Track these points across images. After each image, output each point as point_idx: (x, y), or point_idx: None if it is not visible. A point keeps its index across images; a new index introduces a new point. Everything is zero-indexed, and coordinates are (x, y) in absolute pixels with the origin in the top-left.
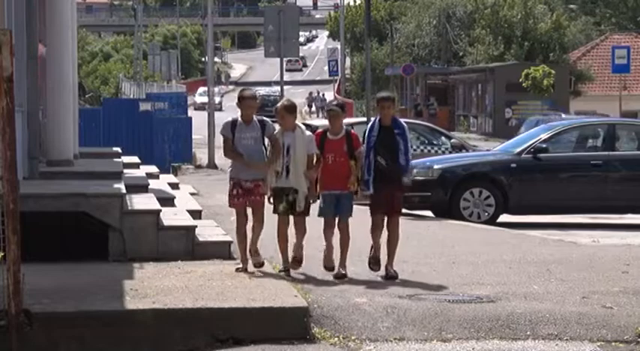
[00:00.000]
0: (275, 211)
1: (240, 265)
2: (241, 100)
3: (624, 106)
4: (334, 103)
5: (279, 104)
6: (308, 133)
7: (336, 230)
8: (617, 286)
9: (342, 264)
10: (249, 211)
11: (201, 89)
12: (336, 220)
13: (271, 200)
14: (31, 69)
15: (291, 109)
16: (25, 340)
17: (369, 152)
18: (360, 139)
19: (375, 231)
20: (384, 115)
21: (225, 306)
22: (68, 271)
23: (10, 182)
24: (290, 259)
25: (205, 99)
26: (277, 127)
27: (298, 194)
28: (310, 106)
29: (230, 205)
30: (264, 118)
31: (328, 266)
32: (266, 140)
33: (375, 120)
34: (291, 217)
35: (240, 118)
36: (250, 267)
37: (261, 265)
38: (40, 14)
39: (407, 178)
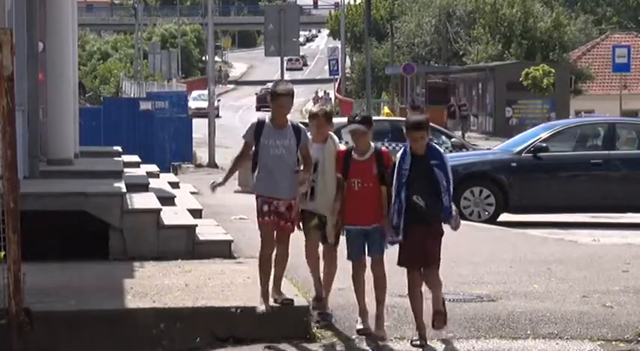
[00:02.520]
0: (304, 230)
1: (263, 307)
2: (274, 97)
3: (624, 105)
4: (357, 117)
5: (314, 108)
6: (338, 143)
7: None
8: (618, 285)
9: (380, 322)
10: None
11: (196, 93)
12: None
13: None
14: (31, 68)
15: (330, 117)
16: (25, 339)
17: (401, 190)
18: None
19: (415, 292)
20: (415, 147)
21: (225, 305)
22: (68, 270)
23: (10, 181)
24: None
25: (200, 104)
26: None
27: (328, 220)
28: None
29: (260, 225)
30: (300, 124)
31: (364, 329)
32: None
33: (405, 149)
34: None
35: (268, 120)
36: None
37: (288, 302)
38: (40, 13)
39: (454, 221)
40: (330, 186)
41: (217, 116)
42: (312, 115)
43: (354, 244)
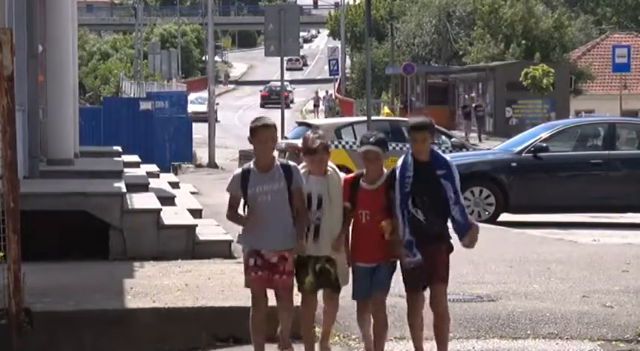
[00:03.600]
0: (299, 288)
1: None
2: (253, 134)
3: (624, 105)
4: (372, 139)
5: (310, 143)
6: (341, 174)
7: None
8: (618, 285)
9: None
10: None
11: (193, 96)
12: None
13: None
14: (31, 68)
15: (328, 148)
16: (25, 339)
17: (406, 200)
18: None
19: (415, 315)
20: (417, 150)
21: (225, 305)
22: (68, 270)
23: (10, 181)
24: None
25: (198, 108)
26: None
27: (335, 265)
28: (317, 106)
29: (247, 283)
30: (291, 162)
31: None
32: None
33: (407, 155)
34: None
35: (253, 165)
36: None
37: None
38: (40, 13)
39: (467, 240)
40: (337, 223)
41: (216, 120)
42: (311, 151)
43: (360, 282)
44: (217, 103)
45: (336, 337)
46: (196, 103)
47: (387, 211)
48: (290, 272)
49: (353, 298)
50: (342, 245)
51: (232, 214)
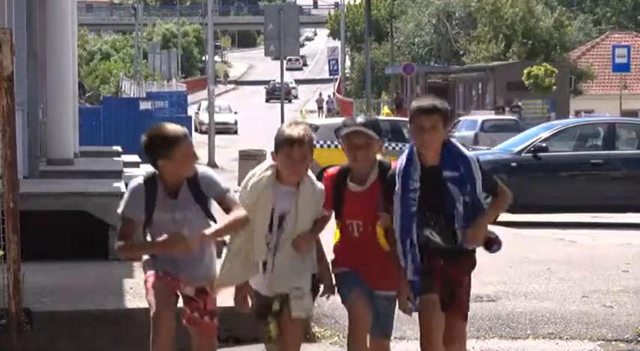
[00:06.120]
0: (264, 340)
1: None
2: (153, 146)
3: (624, 105)
4: (360, 121)
5: (291, 129)
6: (320, 186)
7: None
8: (618, 285)
9: None
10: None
11: (206, 103)
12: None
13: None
14: (31, 68)
15: (312, 142)
16: (25, 339)
17: (410, 225)
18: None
19: (431, 342)
20: (423, 144)
21: (225, 305)
22: (68, 270)
23: (10, 181)
24: None
25: (219, 117)
26: (263, 170)
27: (299, 297)
28: (320, 108)
29: (147, 292)
30: (200, 168)
31: None
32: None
33: (410, 152)
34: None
35: (159, 180)
36: None
37: None
38: (40, 13)
39: (468, 236)
40: (299, 254)
41: (235, 132)
42: (290, 141)
43: (349, 284)
44: (236, 112)
45: (336, 337)
46: (221, 112)
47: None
48: (213, 313)
49: (343, 303)
50: (307, 245)
51: (130, 250)
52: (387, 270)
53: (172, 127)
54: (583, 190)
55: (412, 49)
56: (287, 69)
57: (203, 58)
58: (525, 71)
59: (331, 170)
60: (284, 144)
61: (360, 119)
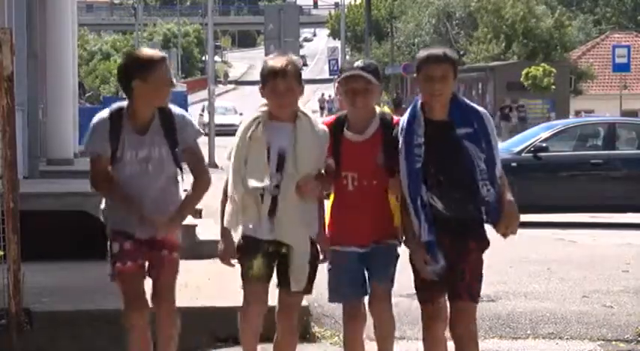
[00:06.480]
0: (242, 276)
1: None
2: (133, 69)
3: (624, 105)
4: (359, 64)
5: (273, 60)
6: (322, 126)
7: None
8: (618, 285)
9: None
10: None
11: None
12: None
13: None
14: (31, 68)
15: (301, 75)
16: (25, 339)
17: (417, 180)
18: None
19: (434, 340)
20: (431, 96)
21: (225, 305)
22: (68, 270)
23: (10, 181)
24: None
25: (224, 119)
26: (253, 112)
27: (294, 254)
28: (322, 108)
29: (112, 277)
30: (175, 109)
31: None
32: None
33: (414, 107)
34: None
35: (126, 111)
36: None
37: None
38: (40, 13)
39: (502, 225)
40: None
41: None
42: (273, 72)
43: (345, 276)
44: (241, 114)
45: (336, 337)
46: (219, 112)
47: (383, 172)
48: (175, 246)
49: (330, 301)
50: (310, 190)
51: (105, 186)
52: (384, 223)
53: (150, 50)
54: (583, 190)
55: (412, 49)
56: None
57: (203, 58)
58: (524, 72)
59: (327, 119)
60: (268, 77)
61: (359, 63)
